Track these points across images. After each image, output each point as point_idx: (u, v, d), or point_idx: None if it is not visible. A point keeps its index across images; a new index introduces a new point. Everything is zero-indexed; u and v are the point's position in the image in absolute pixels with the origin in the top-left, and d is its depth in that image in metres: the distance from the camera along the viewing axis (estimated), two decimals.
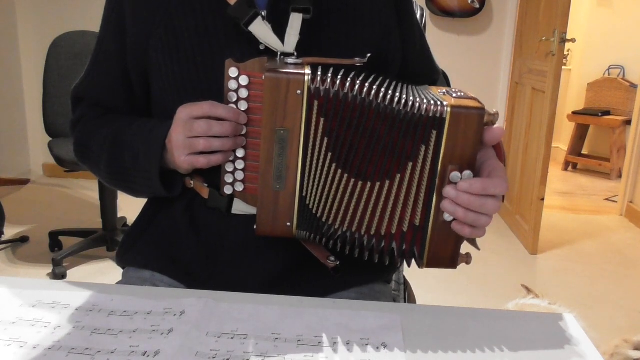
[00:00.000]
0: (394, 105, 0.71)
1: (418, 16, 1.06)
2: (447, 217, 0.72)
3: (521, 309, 1.87)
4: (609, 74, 4.98)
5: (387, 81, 0.76)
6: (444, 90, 0.77)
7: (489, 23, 3.59)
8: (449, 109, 0.70)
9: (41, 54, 2.97)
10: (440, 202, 0.72)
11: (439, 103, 0.71)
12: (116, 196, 2.66)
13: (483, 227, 0.72)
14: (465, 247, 0.75)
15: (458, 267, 0.76)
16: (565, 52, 3.52)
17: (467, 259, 0.76)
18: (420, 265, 0.76)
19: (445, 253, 0.75)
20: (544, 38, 2.99)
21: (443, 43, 3.61)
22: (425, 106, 0.70)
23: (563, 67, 3.04)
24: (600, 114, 4.70)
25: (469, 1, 3.47)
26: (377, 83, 0.74)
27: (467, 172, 0.71)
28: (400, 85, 0.77)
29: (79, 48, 2.65)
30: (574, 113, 4.91)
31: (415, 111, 0.70)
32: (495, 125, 0.73)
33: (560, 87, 2.95)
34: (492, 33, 3.60)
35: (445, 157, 0.71)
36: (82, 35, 2.70)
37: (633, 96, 4.39)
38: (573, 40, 2.95)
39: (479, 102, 0.72)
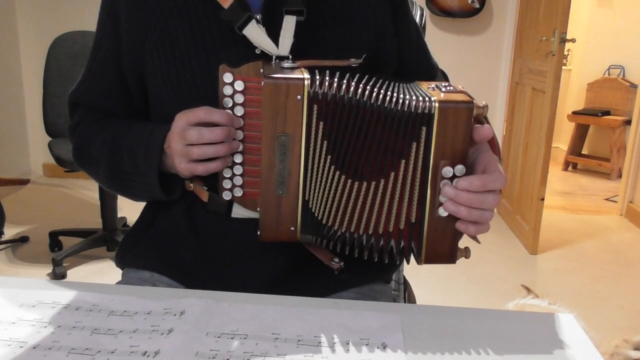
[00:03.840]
0: (386, 105, 0.71)
1: (417, 16, 1.06)
2: (442, 212, 0.73)
3: (521, 309, 1.87)
4: (609, 74, 4.97)
5: (380, 80, 0.76)
6: (434, 85, 0.77)
7: (489, 23, 3.59)
8: (436, 105, 0.70)
9: (41, 54, 2.97)
10: (434, 197, 0.73)
11: (427, 99, 0.71)
12: (116, 196, 2.66)
13: (487, 223, 0.72)
14: (466, 242, 0.75)
15: (458, 266, 0.76)
16: (565, 52, 3.52)
17: (466, 253, 0.76)
18: (419, 262, 0.76)
19: (443, 248, 0.75)
20: (544, 38, 2.99)
21: (443, 43, 3.61)
22: (414, 103, 0.71)
23: (563, 67, 3.04)
24: (600, 114, 4.70)
25: (469, 1, 3.47)
26: (371, 83, 0.74)
27: (459, 167, 0.71)
28: (391, 83, 0.77)
29: (79, 48, 2.65)
30: (574, 113, 4.91)
31: (406, 108, 0.71)
32: (485, 125, 0.73)
33: (560, 87, 2.95)
34: (492, 33, 3.60)
35: (436, 152, 0.71)
36: (82, 35, 2.70)
37: (633, 96, 4.38)
38: (573, 40, 2.95)
39: (468, 95, 0.72)
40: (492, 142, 0.77)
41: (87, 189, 3.77)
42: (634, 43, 4.78)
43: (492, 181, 0.70)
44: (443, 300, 2.45)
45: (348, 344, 0.64)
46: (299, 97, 0.72)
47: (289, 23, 0.80)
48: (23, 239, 2.86)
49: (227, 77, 0.75)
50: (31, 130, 3.94)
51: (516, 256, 3.00)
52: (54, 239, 2.77)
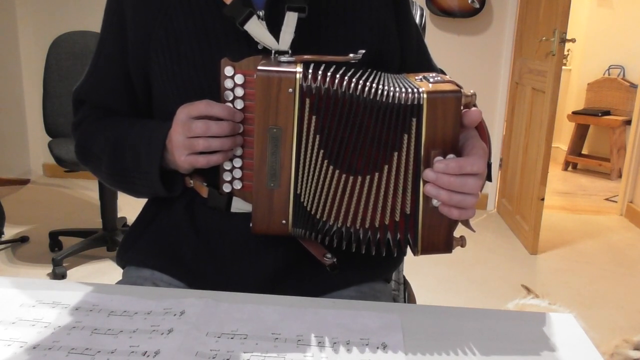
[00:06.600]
0: (378, 98, 0.72)
1: (417, 16, 1.06)
2: (436, 202, 0.73)
3: (521, 309, 1.87)
4: (609, 74, 4.97)
5: (373, 74, 0.77)
6: (421, 77, 0.77)
7: (489, 23, 3.59)
8: (425, 96, 0.71)
9: (41, 54, 2.97)
10: None
11: (415, 91, 0.71)
12: (116, 196, 2.66)
13: (470, 208, 0.72)
14: (460, 230, 0.75)
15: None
16: (565, 52, 3.52)
17: (462, 241, 0.77)
18: (415, 253, 0.76)
19: (439, 238, 0.75)
20: (544, 38, 2.99)
21: (443, 43, 3.61)
22: (403, 95, 0.71)
23: (563, 67, 3.04)
24: (600, 114, 4.70)
25: (469, 1, 3.47)
26: (364, 77, 0.74)
27: (450, 156, 0.72)
28: (382, 76, 0.78)
29: (79, 48, 2.65)
30: (574, 113, 4.91)
31: (396, 101, 0.71)
32: (473, 108, 0.73)
33: (560, 87, 2.95)
34: (492, 33, 3.60)
35: (427, 143, 0.72)
36: (82, 35, 2.70)
37: (633, 96, 4.39)
38: (573, 40, 2.95)
39: (456, 84, 0.73)
40: (481, 128, 0.78)
41: (87, 189, 3.77)
42: (634, 43, 4.78)
43: (469, 164, 0.70)
44: (443, 300, 2.45)
45: (348, 344, 0.64)
46: (290, 90, 0.72)
47: (291, 19, 0.81)
48: (23, 239, 2.86)
49: (228, 71, 0.76)
50: (31, 130, 3.94)
51: (516, 256, 3.00)
52: (54, 239, 2.77)
